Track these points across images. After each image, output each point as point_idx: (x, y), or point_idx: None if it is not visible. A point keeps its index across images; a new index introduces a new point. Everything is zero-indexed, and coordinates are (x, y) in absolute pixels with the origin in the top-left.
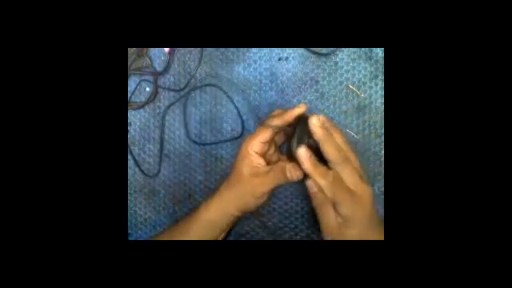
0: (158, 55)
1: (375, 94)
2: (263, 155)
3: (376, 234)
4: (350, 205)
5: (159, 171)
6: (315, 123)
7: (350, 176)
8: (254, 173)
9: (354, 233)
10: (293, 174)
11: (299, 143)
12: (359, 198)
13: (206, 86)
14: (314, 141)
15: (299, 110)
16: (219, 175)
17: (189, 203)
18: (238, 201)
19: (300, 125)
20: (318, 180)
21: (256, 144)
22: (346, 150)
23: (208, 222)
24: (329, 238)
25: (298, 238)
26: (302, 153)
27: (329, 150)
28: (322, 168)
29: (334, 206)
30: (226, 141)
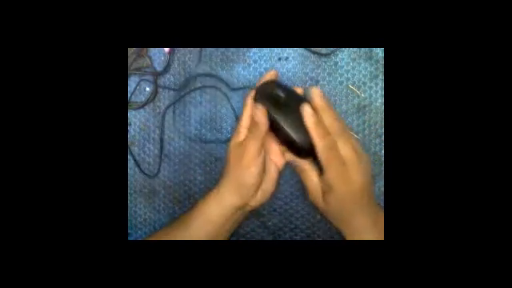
0: (158, 55)
1: (375, 94)
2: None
3: (366, 218)
4: (336, 175)
5: (159, 171)
6: (317, 92)
7: (348, 150)
8: (238, 144)
9: (336, 205)
10: (257, 114)
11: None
12: (347, 173)
13: (205, 87)
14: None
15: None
16: (219, 175)
17: (189, 203)
18: (235, 185)
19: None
20: (317, 139)
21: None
22: (343, 123)
23: (207, 220)
24: (313, 204)
25: (298, 238)
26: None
27: (330, 120)
28: (325, 128)
29: (321, 171)
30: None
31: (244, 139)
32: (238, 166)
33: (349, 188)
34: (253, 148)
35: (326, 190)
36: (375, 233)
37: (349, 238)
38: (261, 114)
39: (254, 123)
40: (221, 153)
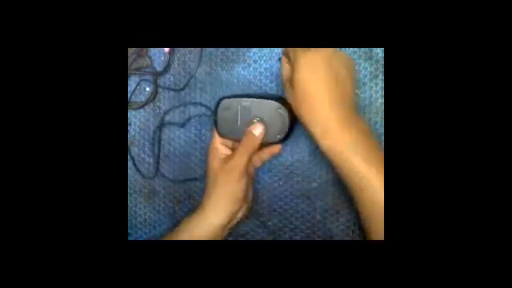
0: (158, 55)
1: (375, 94)
2: (228, 146)
3: (333, 114)
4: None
5: (158, 171)
6: None
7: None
8: (224, 160)
9: (299, 88)
10: (257, 127)
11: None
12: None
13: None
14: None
15: None
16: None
17: (189, 203)
18: (222, 203)
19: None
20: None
21: (218, 137)
22: None
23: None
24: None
25: (298, 238)
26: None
27: None
28: None
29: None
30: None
31: (232, 154)
32: (227, 182)
33: (313, 74)
34: (244, 162)
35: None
36: (341, 134)
37: (312, 129)
38: (261, 129)
39: (248, 135)
40: None
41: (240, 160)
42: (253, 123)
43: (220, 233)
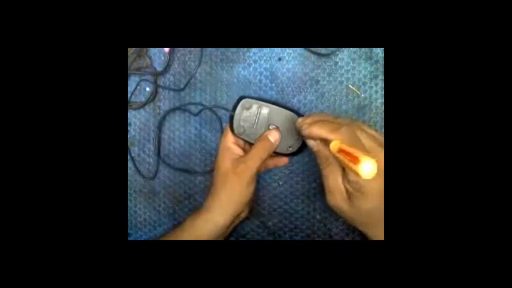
0: (158, 55)
1: (375, 94)
2: (240, 146)
3: None
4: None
5: (158, 171)
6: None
7: (367, 137)
8: (237, 161)
9: (367, 208)
10: (274, 134)
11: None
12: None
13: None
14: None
15: None
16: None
17: (189, 203)
18: (229, 205)
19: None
20: (329, 135)
21: (231, 136)
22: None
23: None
24: (334, 209)
25: (298, 238)
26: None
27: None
28: (332, 124)
29: (344, 169)
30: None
31: (244, 156)
32: (237, 185)
33: (381, 183)
34: (257, 167)
35: (354, 191)
36: None
37: (378, 238)
38: (277, 137)
39: (264, 140)
40: None
41: (253, 164)
42: (269, 129)
43: (223, 233)
